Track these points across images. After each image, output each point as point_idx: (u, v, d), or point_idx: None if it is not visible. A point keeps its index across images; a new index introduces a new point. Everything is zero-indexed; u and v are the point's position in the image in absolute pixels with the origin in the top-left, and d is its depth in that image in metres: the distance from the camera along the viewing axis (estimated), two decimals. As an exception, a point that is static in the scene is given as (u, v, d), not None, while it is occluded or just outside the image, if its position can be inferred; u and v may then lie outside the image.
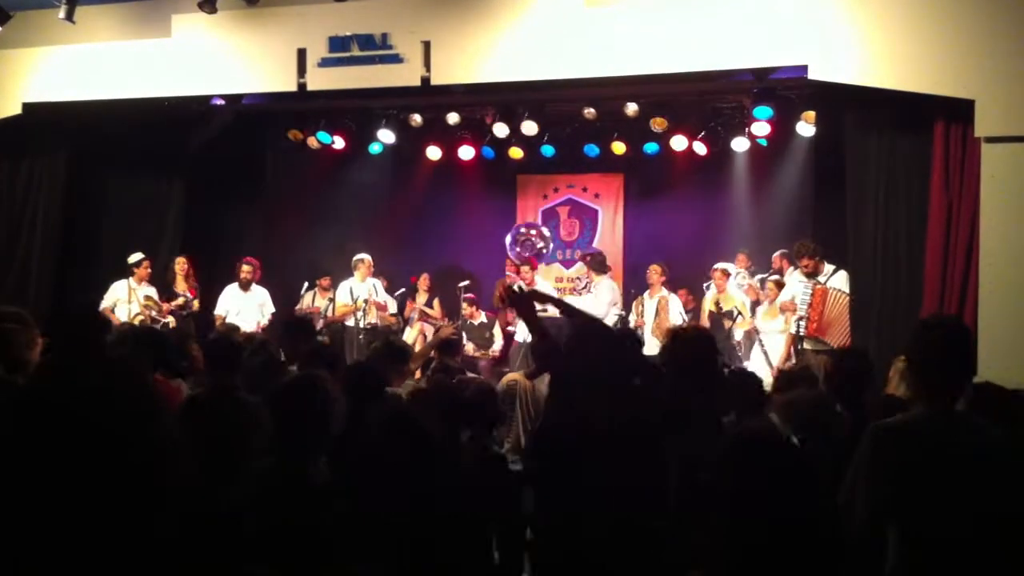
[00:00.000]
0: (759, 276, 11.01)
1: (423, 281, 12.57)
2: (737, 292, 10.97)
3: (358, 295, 11.80)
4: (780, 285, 10.33)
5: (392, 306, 12.33)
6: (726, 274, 11.07)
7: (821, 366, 8.56)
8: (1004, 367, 5.80)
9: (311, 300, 12.27)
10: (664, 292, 11.32)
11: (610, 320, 11.23)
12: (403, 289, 12.42)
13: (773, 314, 10.21)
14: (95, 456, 3.14)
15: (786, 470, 2.53)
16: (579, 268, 12.49)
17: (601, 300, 11.35)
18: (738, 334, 10.74)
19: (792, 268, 10.25)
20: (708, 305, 11.17)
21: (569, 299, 11.77)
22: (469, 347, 11.67)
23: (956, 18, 8.01)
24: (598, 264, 11.72)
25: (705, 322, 11.20)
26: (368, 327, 11.64)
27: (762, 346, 10.12)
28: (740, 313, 10.61)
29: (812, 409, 4.71)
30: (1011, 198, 7.83)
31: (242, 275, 11.43)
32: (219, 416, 4.27)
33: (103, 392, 3.39)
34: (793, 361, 9.74)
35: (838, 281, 9.44)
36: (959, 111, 8.03)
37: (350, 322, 11.70)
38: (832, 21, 8.44)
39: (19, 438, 3.24)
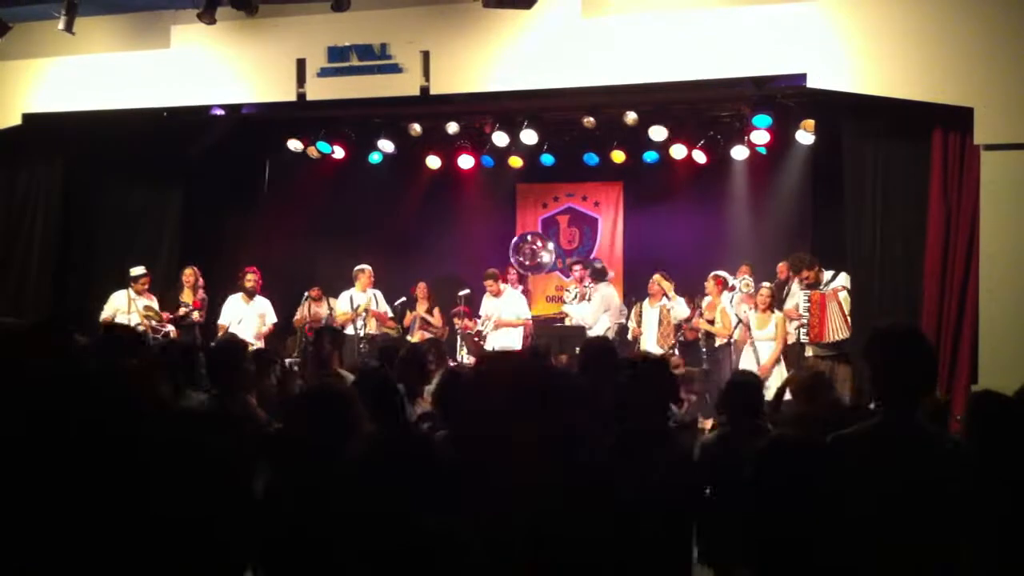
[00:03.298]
0: (764, 284, 10.97)
1: (421, 290, 12.55)
2: (728, 302, 10.96)
3: (357, 304, 11.81)
4: (772, 292, 10.37)
5: (390, 315, 12.34)
6: (721, 282, 11.08)
7: (827, 372, 8.61)
8: (1005, 373, 5.80)
9: (307, 309, 12.26)
10: (665, 300, 11.31)
11: (601, 327, 11.25)
12: (403, 298, 12.41)
13: (763, 323, 10.24)
14: (98, 451, 3.16)
15: (818, 476, 2.53)
16: (572, 279, 12.42)
17: (592, 308, 11.38)
18: (718, 341, 10.81)
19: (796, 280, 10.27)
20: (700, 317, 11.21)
21: (566, 308, 11.82)
22: (465, 355, 11.73)
23: (955, 26, 8.03)
24: (596, 272, 11.75)
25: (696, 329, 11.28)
26: (369, 336, 11.63)
27: (755, 351, 10.14)
28: (740, 322, 10.61)
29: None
30: (1010, 205, 7.84)
31: (247, 284, 11.41)
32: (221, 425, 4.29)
33: (108, 396, 3.40)
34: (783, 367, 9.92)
35: (840, 282, 9.49)
36: (958, 119, 8.05)
37: (349, 330, 11.69)
38: (831, 30, 8.46)
39: (31, 439, 3.25)
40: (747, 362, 10.08)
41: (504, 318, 11.66)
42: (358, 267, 12.05)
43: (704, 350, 11.01)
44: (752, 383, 5.34)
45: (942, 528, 3.22)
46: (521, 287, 12.71)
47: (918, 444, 3.29)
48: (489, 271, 11.96)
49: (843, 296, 9.35)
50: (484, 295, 11.99)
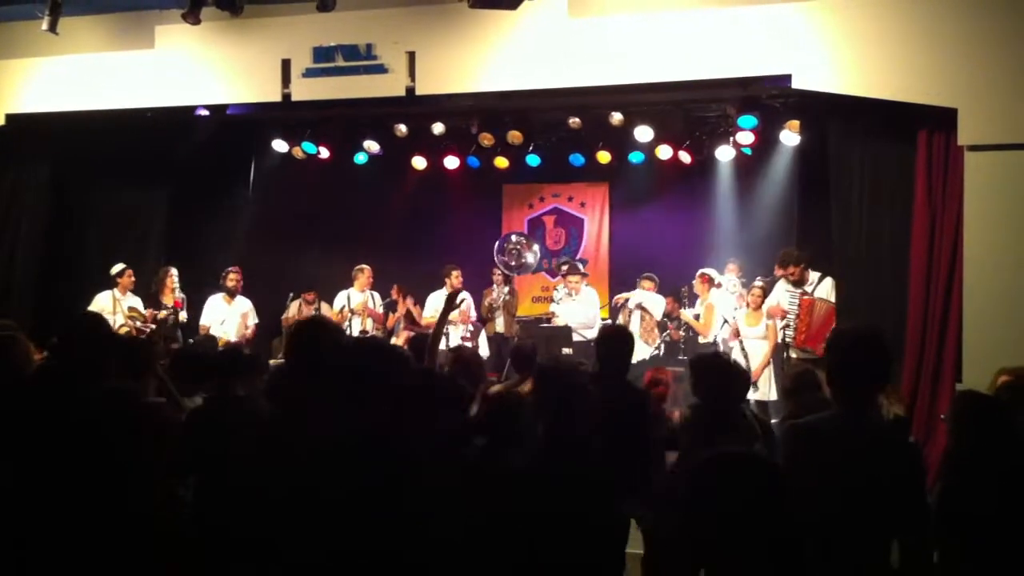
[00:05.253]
0: (757, 283, 10.97)
1: (395, 292, 12.46)
2: (717, 300, 10.98)
3: (355, 304, 11.74)
4: (764, 291, 10.35)
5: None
6: (708, 280, 11.09)
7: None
8: (988, 373, 5.81)
9: (297, 310, 12.22)
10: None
11: (598, 329, 11.28)
12: (388, 299, 12.38)
13: (754, 320, 10.23)
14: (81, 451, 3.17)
15: (762, 490, 2.52)
16: (559, 279, 12.38)
17: (592, 310, 11.44)
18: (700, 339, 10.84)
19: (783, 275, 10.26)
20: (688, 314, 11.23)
21: (555, 307, 11.78)
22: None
23: (939, 27, 8.06)
24: (577, 268, 11.85)
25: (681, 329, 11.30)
26: (361, 333, 11.60)
27: (743, 350, 10.13)
28: (726, 320, 10.61)
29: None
30: (994, 206, 7.87)
31: (230, 284, 11.36)
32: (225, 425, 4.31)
33: (91, 398, 3.40)
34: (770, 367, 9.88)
35: (824, 290, 9.47)
36: (942, 119, 8.08)
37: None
38: (816, 31, 8.48)
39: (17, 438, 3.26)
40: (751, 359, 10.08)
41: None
42: (357, 267, 12.01)
43: (683, 346, 11.05)
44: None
45: (887, 517, 3.37)
46: (508, 288, 12.70)
47: (868, 436, 3.50)
48: (451, 265, 11.84)
49: (819, 310, 9.28)
50: (432, 293, 11.81)
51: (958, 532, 3.87)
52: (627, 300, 11.38)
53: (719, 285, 11.13)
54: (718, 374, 4.94)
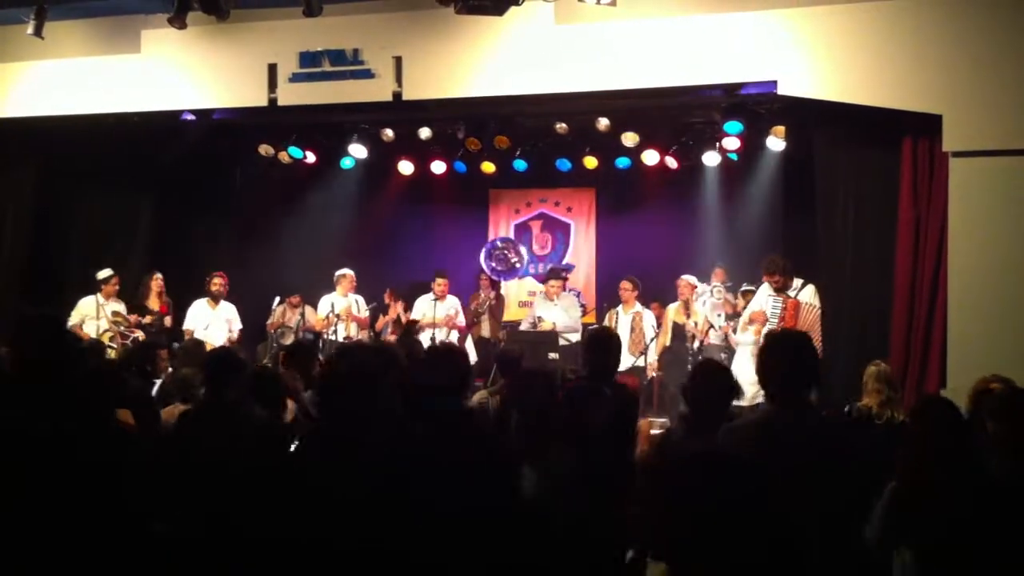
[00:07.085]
0: (744, 288, 10.95)
1: (388, 296, 12.47)
2: (700, 306, 10.97)
3: (338, 309, 11.72)
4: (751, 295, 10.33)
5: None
6: (691, 287, 11.10)
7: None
8: (973, 379, 5.84)
9: (281, 314, 12.19)
10: (638, 307, 11.32)
11: (580, 333, 11.32)
12: (374, 303, 12.37)
13: (746, 327, 10.22)
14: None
15: (747, 492, 2.52)
16: (554, 284, 12.31)
17: (576, 314, 11.45)
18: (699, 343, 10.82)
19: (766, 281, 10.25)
20: (671, 316, 11.20)
21: (540, 312, 11.77)
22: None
23: (924, 34, 8.11)
24: (559, 275, 11.88)
25: (668, 334, 11.26)
26: (346, 339, 11.57)
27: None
28: (712, 326, 10.62)
29: None
30: (978, 211, 7.92)
31: (214, 288, 11.33)
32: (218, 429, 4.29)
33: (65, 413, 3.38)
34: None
35: (806, 295, 9.48)
36: (927, 126, 8.13)
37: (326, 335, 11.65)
38: (801, 38, 8.52)
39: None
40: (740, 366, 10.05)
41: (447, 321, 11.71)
42: (340, 272, 11.98)
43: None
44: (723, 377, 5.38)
45: (830, 510, 3.55)
46: (495, 292, 12.70)
47: (805, 433, 3.73)
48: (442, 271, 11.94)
49: (806, 312, 9.30)
50: (420, 298, 11.85)
51: (905, 534, 3.96)
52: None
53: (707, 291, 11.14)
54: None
